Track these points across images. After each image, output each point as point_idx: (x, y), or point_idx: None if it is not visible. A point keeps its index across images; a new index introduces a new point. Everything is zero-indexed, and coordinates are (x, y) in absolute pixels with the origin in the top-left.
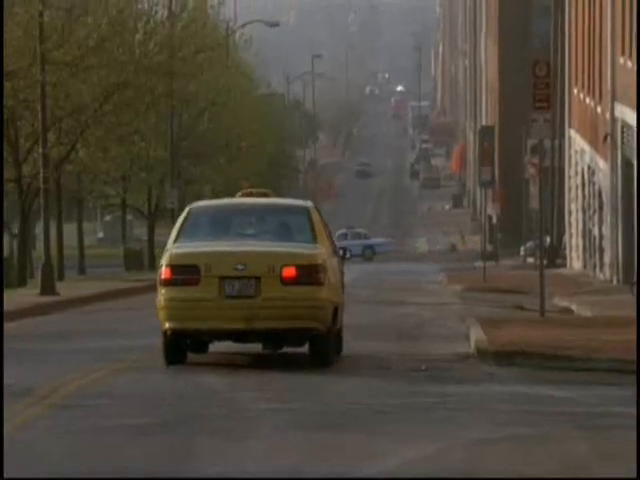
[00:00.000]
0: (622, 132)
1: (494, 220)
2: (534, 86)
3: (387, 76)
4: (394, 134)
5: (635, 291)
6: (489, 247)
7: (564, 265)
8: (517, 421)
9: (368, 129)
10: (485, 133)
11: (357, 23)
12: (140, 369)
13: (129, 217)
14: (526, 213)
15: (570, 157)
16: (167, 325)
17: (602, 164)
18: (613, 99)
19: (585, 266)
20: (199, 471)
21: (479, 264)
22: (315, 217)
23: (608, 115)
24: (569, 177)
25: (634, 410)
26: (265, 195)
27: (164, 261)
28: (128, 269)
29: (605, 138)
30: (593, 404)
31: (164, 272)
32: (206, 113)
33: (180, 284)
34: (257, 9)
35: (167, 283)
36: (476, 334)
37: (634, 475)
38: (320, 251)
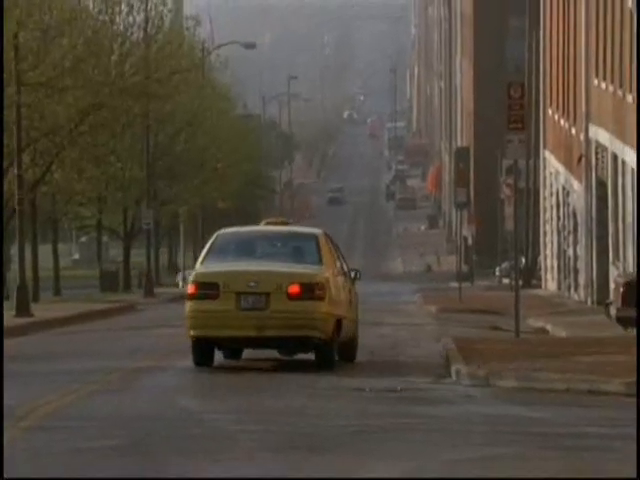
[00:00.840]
0: (596, 153)
1: (469, 241)
2: (509, 107)
3: (362, 98)
4: (370, 155)
5: (611, 312)
6: (464, 268)
7: (539, 286)
8: (494, 441)
9: (344, 150)
10: (460, 154)
11: (332, 44)
12: (116, 391)
13: (104, 238)
14: (501, 234)
15: (545, 178)
16: (191, 332)
17: (576, 185)
18: (587, 120)
19: (560, 287)
20: None
21: (454, 285)
22: (322, 242)
23: (582, 136)
24: (544, 198)
25: (610, 431)
26: (285, 223)
27: (191, 279)
28: (103, 290)
29: (579, 159)
30: (569, 425)
31: (190, 288)
32: (182, 133)
33: (203, 298)
34: (233, 30)
35: (192, 297)
36: (452, 354)
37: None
38: (322, 271)
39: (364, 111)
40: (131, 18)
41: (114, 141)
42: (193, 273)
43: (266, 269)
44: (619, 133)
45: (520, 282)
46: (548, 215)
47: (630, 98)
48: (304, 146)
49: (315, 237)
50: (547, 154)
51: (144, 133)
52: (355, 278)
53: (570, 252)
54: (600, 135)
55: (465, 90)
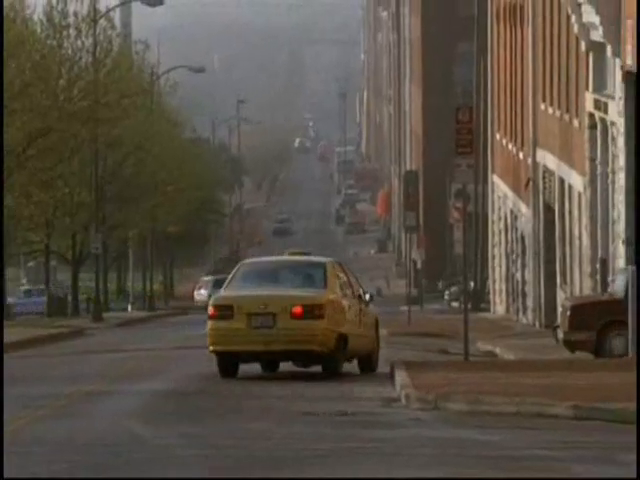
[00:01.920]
0: (543, 177)
1: (419, 265)
2: (457, 132)
3: (312, 124)
4: (320, 179)
5: (558, 335)
6: (414, 291)
7: (488, 309)
8: (445, 464)
9: (294, 174)
10: (409, 178)
11: (282, 68)
12: (68, 415)
13: (53, 263)
14: (450, 258)
15: (493, 202)
16: (211, 348)
17: (524, 209)
18: (535, 145)
19: (508, 310)
20: None
21: (404, 308)
22: (329, 270)
23: (530, 161)
24: (492, 222)
25: (557, 453)
26: (304, 254)
27: (211, 302)
28: (51, 315)
29: (527, 183)
30: (517, 447)
31: (210, 310)
32: (131, 157)
33: (220, 318)
34: (182, 53)
35: (212, 318)
36: (401, 378)
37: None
38: (324, 294)
39: (314, 136)
40: (79, 42)
41: (62, 165)
42: (213, 297)
43: (274, 293)
44: (566, 157)
45: (469, 305)
46: (496, 239)
47: (576, 123)
48: (254, 170)
49: (323, 265)
50: (495, 178)
51: (93, 157)
52: (369, 300)
53: (518, 276)
54: (547, 159)
55: (414, 114)
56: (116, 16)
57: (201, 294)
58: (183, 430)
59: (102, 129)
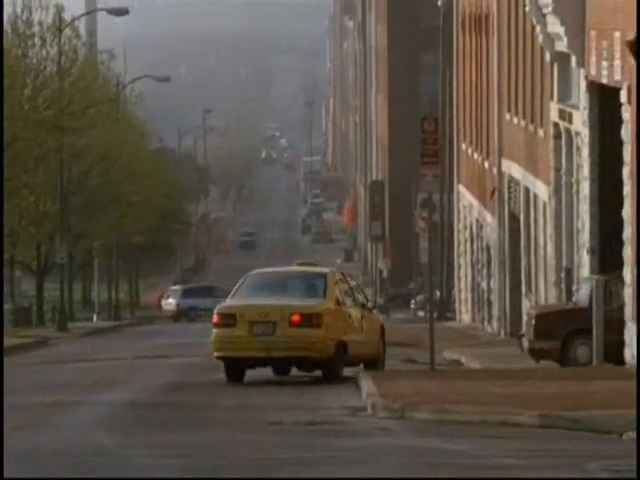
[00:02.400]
0: (509, 187)
1: (384, 274)
2: (423, 141)
3: (278, 134)
4: (286, 189)
5: (524, 344)
6: (380, 300)
7: (453, 318)
8: (407, 473)
9: (260, 184)
10: (375, 188)
11: (249, 77)
12: (34, 426)
13: (17, 273)
14: (416, 267)
15: (459, 212)
16: (215, 354)
17: (490, 219)
18: (500, 155)
19: (474, 319)
20: None
21: None
22: (330, 280)
23: (495, 170)
24: (458, 231)
25: (524, 462)
26: (311, 265)
27: (215, 311)
28: (17, 325)
29: (492, 193)
30: (482, 456)
31: (215, 318)
32: (97, 167)
33: (224, 326)
34: (147, 63)
35: (216, 326)
36: (367, 387)
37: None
38: (322, 304)
39: (280, 146)
40: (44, 52)
41: (27, 175)
42: (218, 306)
43: (274, 303)
44: (531, 167)
45: (435, 315)
46: (462, 248)
47: (541, 133)
48: (220, 179)
49: (324, 276)
50: (461, 188)
51: (58, 167)
52: (372, 308)
53: (484, 285)
54: (512, 169)
55: (380, 124)
56: (81, 25)
57: (169, 303)
58: (148, 440)
59: (67, 139)
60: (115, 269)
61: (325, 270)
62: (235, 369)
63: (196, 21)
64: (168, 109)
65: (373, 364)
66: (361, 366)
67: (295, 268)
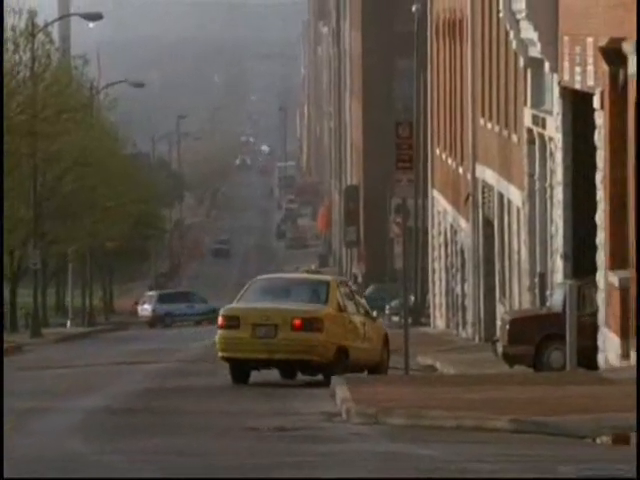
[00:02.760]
0: (483, 192)
1: (359, 279)
2: (397, 147)
3: (252, 140)
4: (260, 194)
5: (498, 349)
6: None
7: (428, 323)
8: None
9: (235, 189)
10: (350, 193)
11: (223, 83)
12: (6, 432)
13: None
14: (391, 272)
15: (433, 217)
16: (219, 354)
17: (464, 224)
18: (474, 160)
19: (448, 324)
20: None
21: None
22: (332, 287)
23: (469, 176)
24: (432, 236)
25: (498, 466)
26: (316, 272)
27: (220, 313)
28: None
29: (467, 198)
30: (455, 461)
31: (219, 320)
32: (70, 173)
33: (228, 328)
34: (121, 69)
35: (221, 327)
36: (342, 393)
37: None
38: (323, 309)
39: (255, 152)
40: (17, 56)
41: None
42: (222, 309)
43: (277, 307)
44: (505, 173)
45: (409, 320)
46: (436, 253)
47: (515, 138)
48: (195, 185)
49: (327, 283)
50: (435, 193)
51: (31, 172)
52: (375, 317)
53: (458, 290)
54: (486, 174)
55: (354, 129)
56: (55, 30)
57: (145, 309)
58: (123, 446)
59: (41, 144)
60: (89, 275)
61: (329, 278)
62: (240, 371)
63: (170, 26)
64: (142, 114)
65: (376, 371)
66: (365, 373)
67: (299, 275)
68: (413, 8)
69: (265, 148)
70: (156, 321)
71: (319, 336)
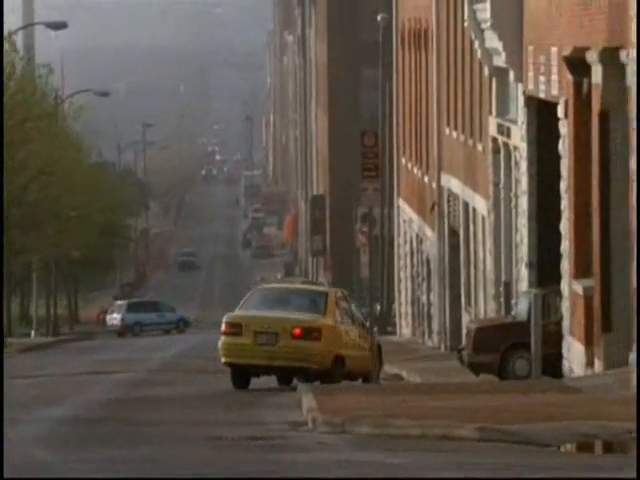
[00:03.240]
0: (448, 201)
1: None
2: (363, 156)
3: (217, 149)
4: (226, 204)
5: (463, 358)
6: None
7: (394, 332)
8: None
9: (201, 199)
10: (316, 202)
11: (189, 92)
12: None
13: None
14: (357, 281)
15: (399, 226)
16: (223, 359)
17: (430, 233)
18: (439, 169)
19: (414, 333)
20: None
21: None
22: (331, 298)
23: (435, 185)
24: (398, 246)
25: (463, 475)
26: (315, 284)
27: (224, 320)
28: None
29: (432, 207)
30: (424, 469)
31: (223, 327)
32: (35, 182)
33: (231, 335)
34: (86, 77)
35: (224, 334)
36: (308, 402)
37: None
38: (322, 319)
39: (220, 162)
40: None
41: None
42: (226, 316)
43: (277, 316)
44: (470, 182)
45: (375, 329)
46: (402, 262)
47: (480, 147)
48: (161, 194)
49: (326, 294)
50: (401, 202)
51: None
52: (371, 328)
53: (424, 299)
54: (452, 183)
55: (320, 138)
56: (19, 39)
57: (114, 318)
58: (88, 455)
59: (5, 153)
60: (54, 284)
61: (328, 289)
62: (240, 377)
63: (135, 35)
64: (108, 123)
65: (369, 379)
66: (359, 381)
67: (299, 285)
68: (378, 17)
69: (226, 158)
70: (125, 330)
71: (317, 345)
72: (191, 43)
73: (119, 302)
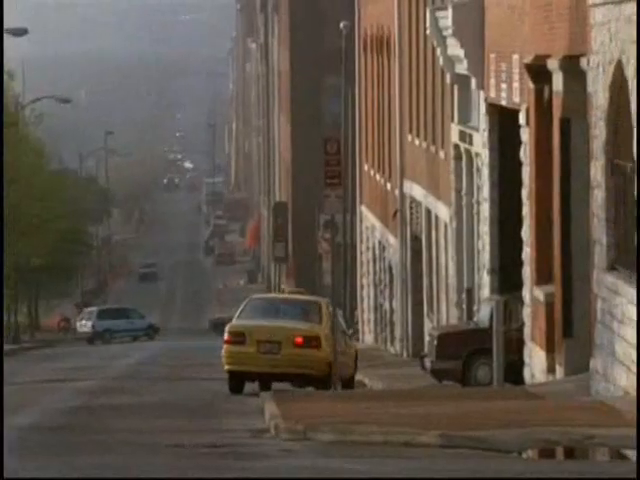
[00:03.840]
0: (410, 208)
1: None
2: (326, 163)
3: (180, 156)
4: (189, 211)
5: (426, 364)
6: None
7: (357, 339)
8: None
9: (163, 206)
10: (279, 209)
11: (151, 100)
12: None
13: None
14: (320, 288)
15: (362, 233)
16: (226, 367)
17: (392, 240)
18: (402, 176)
19: (377, 340)
20: None
21: None
22: (324, 308)
23: (397, 192)
24: (361, 252)
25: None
26: (301, 293)
27: (227, 329)
28: None
29: (395, 214)
30: (384, 476)
31: (226, 336)
32: None
33: (235, 343)
34: (48, 85)
35: (228, 342)
36: (270, 409)
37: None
38: (320, 329)
39: (184, 170)
40: None
41: None
42: (229, 326)
43: (279, 325)
44: (432, 188)
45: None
46: (365, 269)
47: (442, 154)
48: (123, 201)
49: (319, 304)
50: (363, 209)
51: None
52: (351, 335)
53: (386, 305)
54: (414, 190)
55: (283, 145)
56: None
57: (85, 325)
58: (47, 463)
59: None
60: (14, 292)
61: (318, 299)
62: (237, 382)
63: (98, 43)
64: (70, 131)
65: (349, 384)
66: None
67: (292, 296)
68: (341, 25)
69: (189, 165)
70: (96, 337)
71: (317, 352)
72: (154, 50)
73: (90, 309)
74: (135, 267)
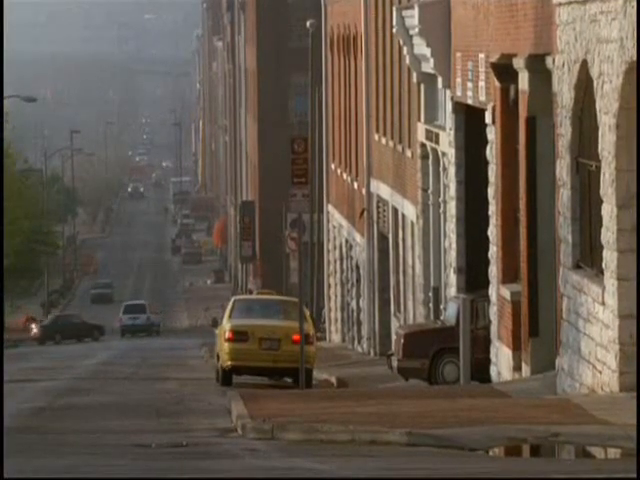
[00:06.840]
0: (377, 207)
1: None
2: (293, 162)
3: (146, 158)
4: (155, 210)
5: (393, 363)
6: None
7: (324, 338)
8: None
9: (129, 205)
10: (246, 208)
11: (116, 99)
12: None
13: None
14: (287, 287)
15: (329, 231)
16: (229, 363)
17: (359, 238)
18: (369, 175)
19: (344, 339)
20: None
21: None
22: (302, 308)
23: (364, 191)
24: (328, 251)
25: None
26: (272, 294)
27: (228, 328)
28: None
29: (362, 213)
30: (352, 474)
31: (229, 334)
32: None
33: (237, 341)
34: (12, 83)
35: (230, 340)
36: (237, 408)
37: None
38: (309, 327)
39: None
40: None
41: None
42: (228, 324)
43: (278, 324)
44: (399, 187)
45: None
46: (332, 268)
47: (409, 153)
48: (88, 201)
49: (297, 304)
50: (330, 208)
51: None
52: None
53: (353, 304)
54: (381, 189)
55: (250, 144)
56: None
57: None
58: (7, 466)
59: None
60: None
61: (294, 299)
62: (228, 376)
63: (62, 43)
64: (34, 131)
65: (310, 377)
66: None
67: (271, 297)
68: (308, 23)
69: (145, 158)
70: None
71: (312, 348)
72: (120, 49)
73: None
74: (87, 295)
